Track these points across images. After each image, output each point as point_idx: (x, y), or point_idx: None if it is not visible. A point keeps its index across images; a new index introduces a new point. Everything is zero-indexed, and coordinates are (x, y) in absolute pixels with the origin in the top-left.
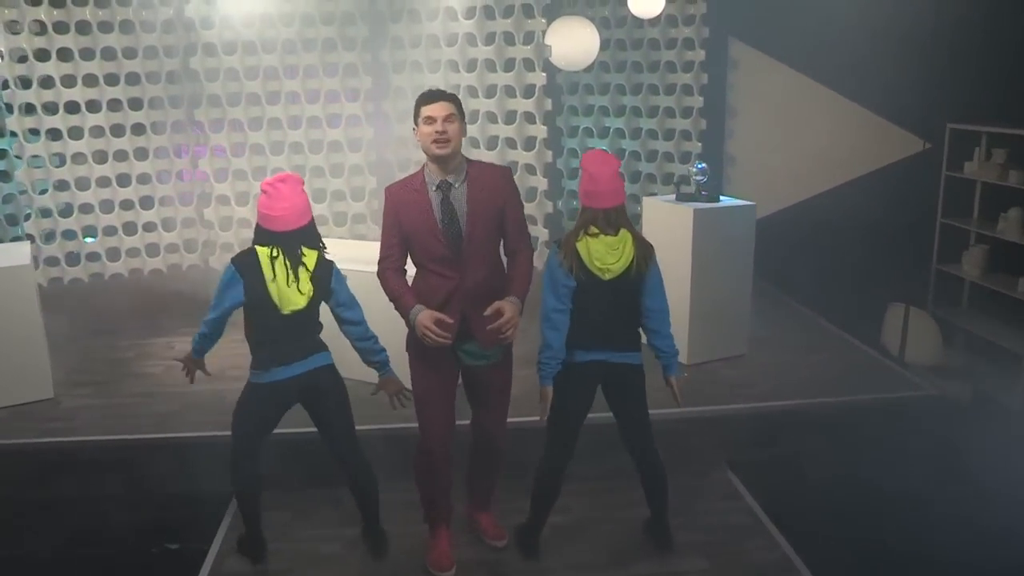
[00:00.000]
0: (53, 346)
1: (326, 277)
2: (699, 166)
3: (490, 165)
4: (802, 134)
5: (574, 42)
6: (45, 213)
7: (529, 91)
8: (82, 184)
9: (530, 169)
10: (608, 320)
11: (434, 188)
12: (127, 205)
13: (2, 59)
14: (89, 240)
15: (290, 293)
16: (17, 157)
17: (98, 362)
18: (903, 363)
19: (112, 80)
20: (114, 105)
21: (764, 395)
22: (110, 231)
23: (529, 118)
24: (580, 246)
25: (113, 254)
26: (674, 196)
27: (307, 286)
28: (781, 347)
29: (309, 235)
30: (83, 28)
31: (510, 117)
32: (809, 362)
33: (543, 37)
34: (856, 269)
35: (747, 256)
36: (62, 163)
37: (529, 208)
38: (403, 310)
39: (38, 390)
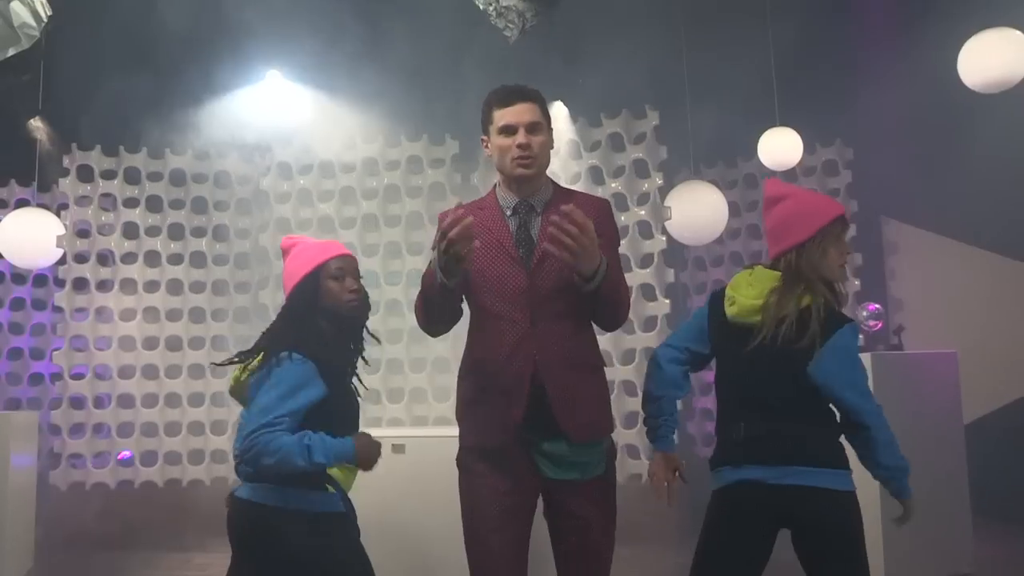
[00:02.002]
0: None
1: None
2: (871, 307)
3: (582, 193)
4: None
5: (699, 210)
6: (77, 403)
7: (647, 260)
8: (126, 372)
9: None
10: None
11: (509, 212)
12: (173, 401)
13: (65, 231)
14: (126, 456)
15: None
16: (59, 337)
17: None
18: None
19: (176, 260)
20: (174, 287)
21: None
22: (149, 430)
23: (647, 291)
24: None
25: (149, 458)
26: None
27: None
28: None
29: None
30: (154, 205)
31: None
32: None
33: (660, 197)
34: None
35: (954, 423)
36: (107, 347)
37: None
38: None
39: None
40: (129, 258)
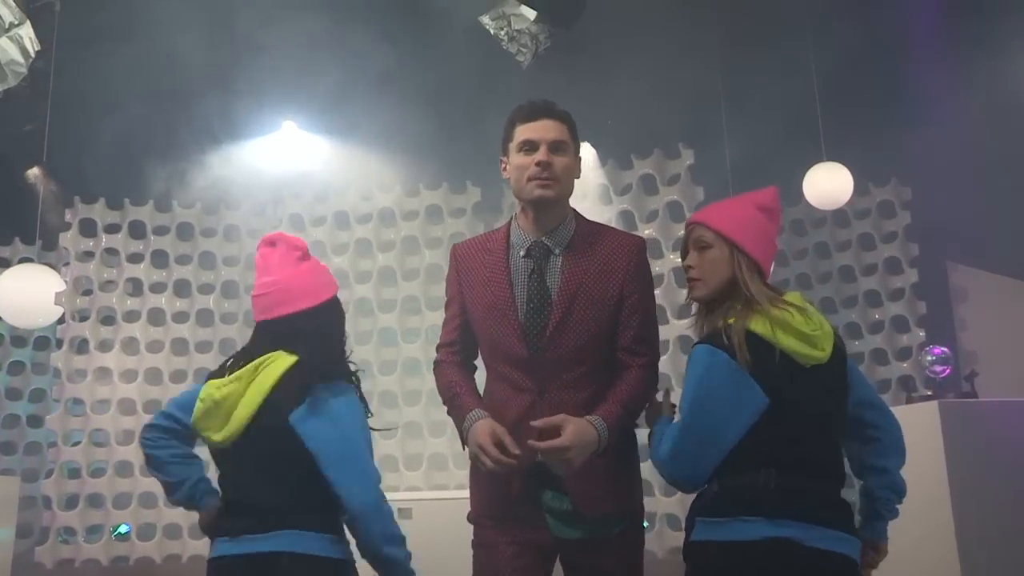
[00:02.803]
0: None
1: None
2: (936, 351)
3: (612, 229)
4: None
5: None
6: (72, 472)
7: (685, 311)
8: (125, 438)
9: None
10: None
11: (521, 253)
12: None
13: (65, 288)
14: (124, 530)
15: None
16: (55, 400)
17: None
18: None
19: (181, 318)
20: (179, 346)
21: None
22: (148, 501)
23: (686, 344)
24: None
25: (147, 531)
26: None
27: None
28: None
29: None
30: (159, 260)
31: None
32: None
33: None
34: None
35: None
36: (106, 410)
37: None
38: (458, 413)
39: None
40: (132, 316)
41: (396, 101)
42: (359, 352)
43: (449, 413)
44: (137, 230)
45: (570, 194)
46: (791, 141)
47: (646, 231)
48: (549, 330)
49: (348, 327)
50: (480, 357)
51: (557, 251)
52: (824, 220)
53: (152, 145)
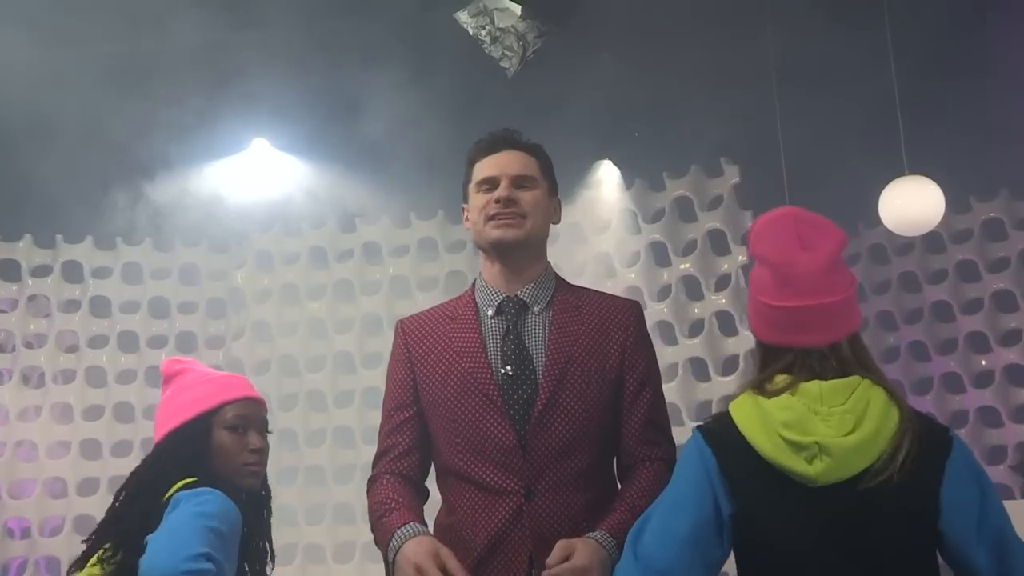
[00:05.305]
0: None
1: None
2: None
3: (600, 292)
4: None
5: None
6: None
7: (730, 365)
8: (52, 527)
9: None
10: None
11: (490, 313)
12: None
13: None
14: None
15: None
16: None
17: None
18: None
19: (126, 377)
20: (124, 412)
21: None
22: None
23: None
24: (745, 410)
25: None
26: None
27: None
28: None
29: None
30: (100, 308)
31: None
32: None
33: (745, 280)
34: None
35: None
36: (28, 493)
37: None
38: (383, 534)
39: None
40: (64, 377)
41: (384, 121)
42: (339, 416)
43: (375, 540)
44: (72, 273)
45: (544, 238)
46: (864, 150)
47: (682, 265)
48: (537, 408)
49: (326, 386)
50: (434, 463)
51: (536, 308)
52: (911, 245)
53: (89, 169)
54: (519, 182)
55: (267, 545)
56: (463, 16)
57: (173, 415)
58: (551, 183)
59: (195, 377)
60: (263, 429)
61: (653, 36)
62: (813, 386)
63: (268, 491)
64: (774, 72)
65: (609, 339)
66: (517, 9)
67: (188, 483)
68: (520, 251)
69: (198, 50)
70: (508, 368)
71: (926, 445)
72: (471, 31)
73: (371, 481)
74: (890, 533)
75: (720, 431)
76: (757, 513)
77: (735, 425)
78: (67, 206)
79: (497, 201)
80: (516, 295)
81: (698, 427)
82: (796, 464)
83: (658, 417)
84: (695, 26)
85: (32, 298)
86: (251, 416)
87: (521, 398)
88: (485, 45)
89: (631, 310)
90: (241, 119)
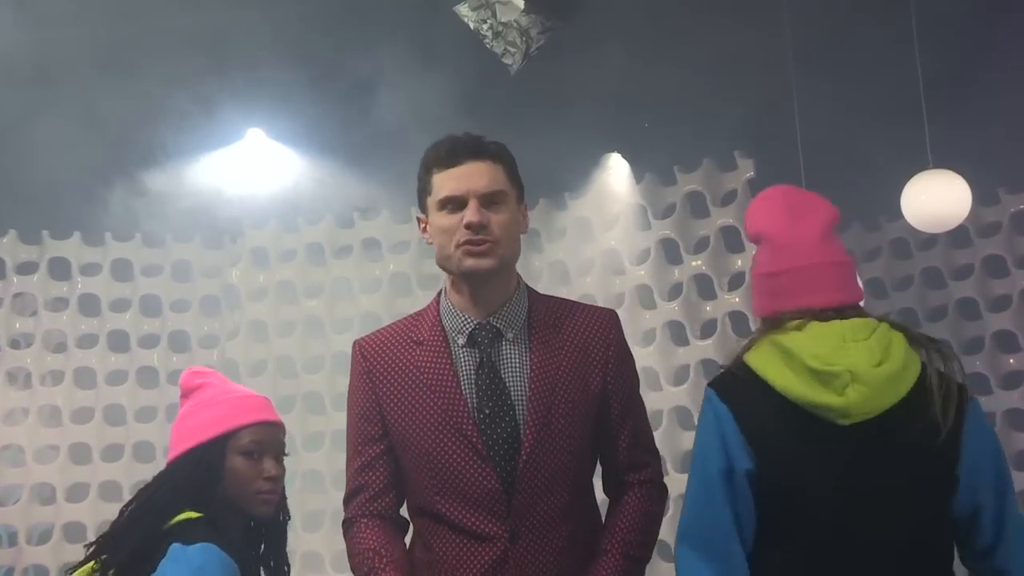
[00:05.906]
0: None
1: None
2: None
3: (573, 302)
4: None
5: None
6: None
7: None
8: (40, 535)
9: None
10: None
11: (461, 341)
12: None
13: None
14: None
15: None
16: None
17: None
18: None
19: (117, 378)
20: (115, 415)
21: None
22: None
23: None
24: (763, 354)
25: None
26: None
27: None
28: None
29: None
30: (88, 307)
31: None
32: None
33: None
34: None
35: None
36: (14, 499)
37: None
38: None
39: None
40: (52, 378)
41: (387, 111)
42: (337, 419)
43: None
44: (59, 270)
45: (516, 258)
46: (886, 143)
47: (694, 263)
48: (525, 450)
49: (324, 388)
50: (407, 505)
51: (510, 335)
52: (935, 239)
53: (77, 162)
54: (488, 200)
55: (284, 568)
56: (463, 9)
57: (188, 435)
58: (519, 189)
59: (214, 394)
60: (279, 453)
61: (663, 24)
62: (835, 323)
63: (287, 517)
64: (791, 61)
65: (591, 359)
66: (520, 3)
67: (192, 518)
68: (493, 279)
69: (192, 36)
70: (486, 409)
71: (947, 391)
72: (472, 25)
73: (347, 524)
74: (915, 472)
75: (733, 383)
76: (777, 460)
77: (753, 372)
78: (53, 200)
79: (467, 227)
80: (488, 322)
81: (710, 384)
82: (825, 397)
83: (643, 438)
84: (707, 13)
85: (17, 296)
86: (267, 441)
87: (501, 436)
88: (487, 40)
89: (610, 322)
90: (236, 108)
